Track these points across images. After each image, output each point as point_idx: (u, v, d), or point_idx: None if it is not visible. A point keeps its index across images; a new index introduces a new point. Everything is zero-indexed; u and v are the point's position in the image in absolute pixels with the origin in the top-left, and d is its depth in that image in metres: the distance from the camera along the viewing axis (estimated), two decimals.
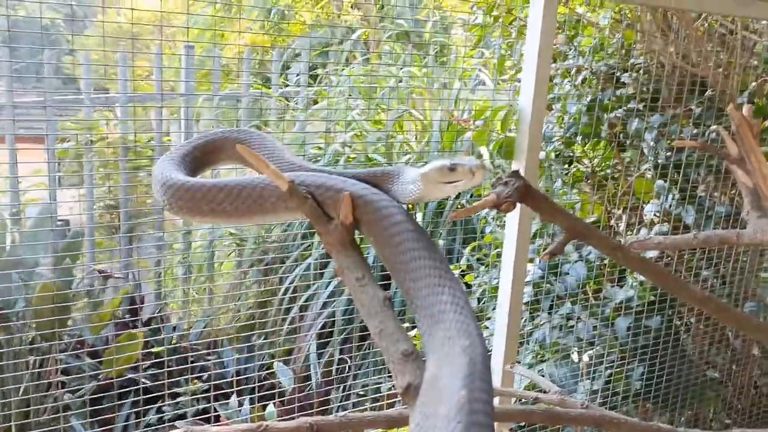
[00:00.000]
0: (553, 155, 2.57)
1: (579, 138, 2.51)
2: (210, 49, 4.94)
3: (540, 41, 1.76)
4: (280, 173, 0.84)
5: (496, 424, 1.79)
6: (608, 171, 2.62)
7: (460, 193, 3.45)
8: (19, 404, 3.16)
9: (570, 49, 2.51)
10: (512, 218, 1.89)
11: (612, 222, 2.60)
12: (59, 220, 4.20)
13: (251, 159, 0.84)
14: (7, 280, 3.27)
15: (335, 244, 0.84)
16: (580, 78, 2.49)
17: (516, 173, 0.95)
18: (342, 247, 0.84)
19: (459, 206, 3.57)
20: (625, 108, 2.46)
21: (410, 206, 3.82)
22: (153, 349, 3.62)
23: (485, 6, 2.47)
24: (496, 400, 1.55)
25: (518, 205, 1.03)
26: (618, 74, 2.51)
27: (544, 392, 1.15)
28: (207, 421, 3.17)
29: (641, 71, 2.49)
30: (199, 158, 1.00)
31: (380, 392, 2.96)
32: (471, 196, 3.23)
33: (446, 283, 0.77)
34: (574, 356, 2.49)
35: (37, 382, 3.19)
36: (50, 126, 4.01)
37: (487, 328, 2.28)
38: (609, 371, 2.49)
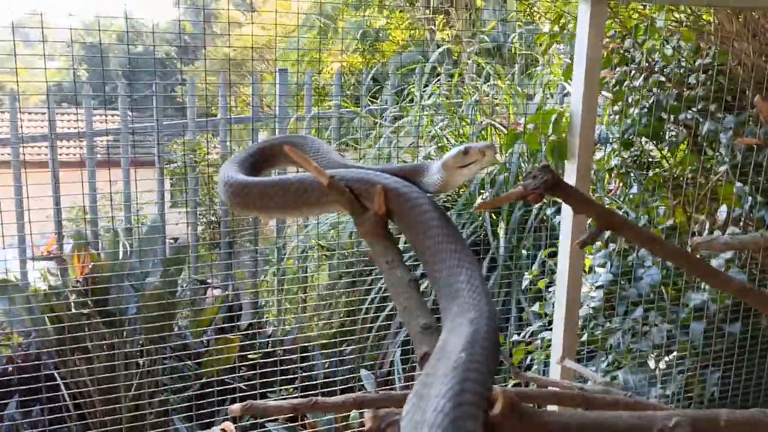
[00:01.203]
0: (630, 160, 2.54)
1: (643, 140, 2.47)
2: (305, 71, 5.21)
3: (588, 45, 1.79)
4: (322, 170, 0.95)
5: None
6: (688, 175, 2.55)
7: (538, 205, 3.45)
8: (129, 403, 3.45)
9: (635, 51, 2.49)
10: (566, 219, 1.91)
11: (695, 227, 2.52)
12: (171, 238, 4.55)
13: (297, 159, 0.95)
14: (120, 288, 3.60)
15: (370, 232, 0.93)
16: (640, 80, 2.45)
17: (546, 167, 1.01)
18: (376, 235, 0.93)
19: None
20: (696, 109, 2.40)
21: (492, 215, 3.84)
22: (249, 354, 3.85)
23: (553, 16, 2.49)
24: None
25: (567, 208, 1.08)
26: (677, 74, 2.44)
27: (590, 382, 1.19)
28: (293, 420, 3.36)
29: (713, 72, 2.42)
30: (259, 161, 1.13)
31: None
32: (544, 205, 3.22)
33: (464, 265, 0.84)
34: (651, 363, 2.43)
35: (146, 379, 3.46)
36: (160, 150, 4.39)
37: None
38: (684, 376, 2.40)
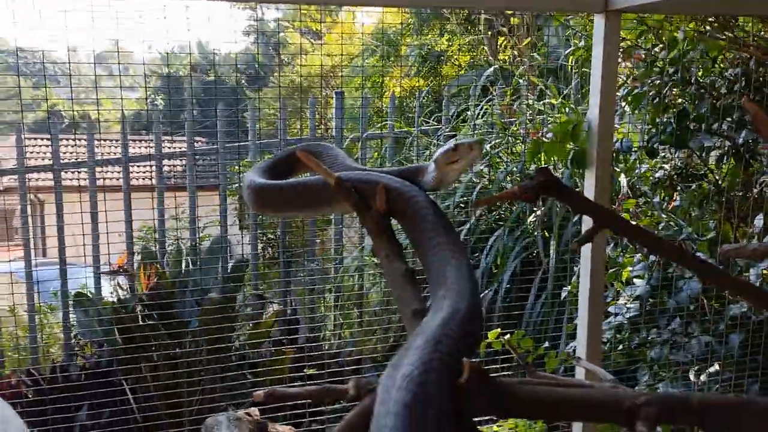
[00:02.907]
0: (674, 172, 2.52)
1: (673, 151, 2.44)
2: (365, 95, 5.37)
3: (603, 56, 1.82)
4: (330, 172, 1.03)
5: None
6: (732, 186, 2.50)
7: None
8: (191, 413, 3.61)
9: (661, 62, 2.47)
10: (586, 224, 1.93)
11: (745, 240, 2.46)
12: (243, 256, 4.74)
13: (308, 162, 1.04)
14: (183, 302, 3.79)
15: (372, 228, 1.01)
16: (666, 89, 2.44)
17: (543, 169, 1.06)
18: (377, 230, 1.00)
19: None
20: (731, 119, 2.36)
21: (544, 232, 3.83)
22: (305, 368, 3.95)
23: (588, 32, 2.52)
24: None
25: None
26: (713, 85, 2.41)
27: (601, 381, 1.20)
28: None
29: (742, 80, 2.38)
30: (281, 168, 1.22)
31: None
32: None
33: (455, 256, 0.91)
34: (692, 375, 2.36)
35: (208, 388, 3.61)
36: (222, 171, 4.61)
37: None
38: (721, 387, 2.32)
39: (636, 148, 2.58)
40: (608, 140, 1.93)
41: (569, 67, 4.93)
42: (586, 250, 1.90)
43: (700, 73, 2.44)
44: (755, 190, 2.42)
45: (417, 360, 0.70)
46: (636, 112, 2.65)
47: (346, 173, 1.06)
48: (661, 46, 2.52)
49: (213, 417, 1.09)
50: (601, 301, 1.90)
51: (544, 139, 2.15)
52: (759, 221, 2.25)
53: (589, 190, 1.94)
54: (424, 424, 0.65)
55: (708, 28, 2.51)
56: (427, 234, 0.95)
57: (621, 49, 2.49)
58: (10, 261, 4.49)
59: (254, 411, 1.12)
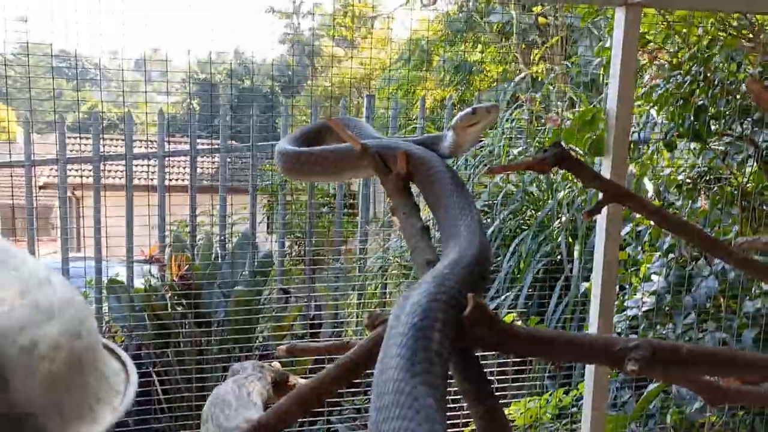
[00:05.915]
0: (697, 175, 2.54)
1: (689, 144, 2.47)
2: (398, 102, 5.47)
3: (623, 47, 1.88)
4: (357, 138, 1.11)
5: None
6: (755, 190, 2.52)
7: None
8: None
9: (686, 64, 2.50)
10: (601, 218, 2.00)
11: None
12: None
13: (337, 129, 1.12)
14: (211, 294, 3.90)
15: (393, 189, 1.08)
16: (686, 86, 2.47)
17: (557, 143, 1.12)
18: (397, 191, 1.08)
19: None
20: (752, 119, 2.38)
21: (569, 238, 3.85)
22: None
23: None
24: None
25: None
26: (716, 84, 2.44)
27: None
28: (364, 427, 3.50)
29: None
30: (311, 139, 1.31)
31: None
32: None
33: (466, 213, 0.98)
34: None
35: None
36: (254, 173, 4.74)
37: None
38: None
39: (653, 141, 2.62)
40: (625, 130, 1.99)
41: (600, 77, 4.97)
42: (600, 240, 1.96)
43: (722, 74, 2.48)
44: None
45: (425, 291, 0.77)
46: (660, 112, 2.70)
47: (371, 141, 1.14)
48: (684, 48, 2.56)
49: (239, 363, 1.17)
50: (613, 292, 1.94)
51: (563, 127, 2.21)
52: None
53: (605, 176, 1.99)
54: (429, 341, 0.72)
55: (726, 34, 2.54)
56: (443, 194, 1.02)
57: (646, 51, 2.55)
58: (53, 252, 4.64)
59: (276, 364, 1.19)
